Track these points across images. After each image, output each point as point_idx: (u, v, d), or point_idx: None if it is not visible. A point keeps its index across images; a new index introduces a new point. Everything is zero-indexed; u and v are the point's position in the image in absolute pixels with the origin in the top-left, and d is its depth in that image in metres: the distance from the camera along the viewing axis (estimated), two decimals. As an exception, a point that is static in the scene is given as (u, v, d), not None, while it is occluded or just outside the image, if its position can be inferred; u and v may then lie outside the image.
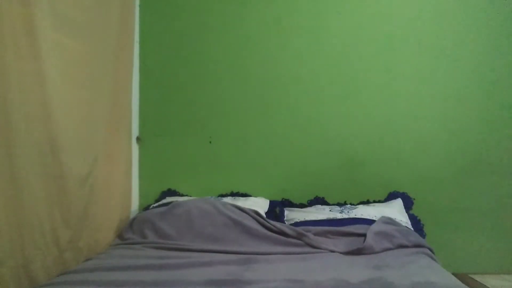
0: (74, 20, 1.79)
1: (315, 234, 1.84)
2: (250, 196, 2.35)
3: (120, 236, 1.96)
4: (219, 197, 2.32)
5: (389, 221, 1.89)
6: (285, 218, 2.16)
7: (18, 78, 1.44)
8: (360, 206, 2.17)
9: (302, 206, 2.29)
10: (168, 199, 2.30)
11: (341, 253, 1.66)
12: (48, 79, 1.57)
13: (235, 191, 2.39)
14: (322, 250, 1.70)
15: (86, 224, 1.84)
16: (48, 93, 1.58)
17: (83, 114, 1.83)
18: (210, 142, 2.42)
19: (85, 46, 1.86)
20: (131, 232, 1.94)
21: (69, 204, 1.71)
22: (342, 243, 1.75)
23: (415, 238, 1.77)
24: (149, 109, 2.46)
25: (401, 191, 2.27)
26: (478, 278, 2.04)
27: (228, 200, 2.21)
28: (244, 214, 1.94)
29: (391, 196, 2.27)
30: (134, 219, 2.02)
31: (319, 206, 2.24)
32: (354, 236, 1.82)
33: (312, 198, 2.32)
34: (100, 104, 1.98)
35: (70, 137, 1.72)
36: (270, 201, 2.30)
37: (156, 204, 2.25)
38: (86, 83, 1.86)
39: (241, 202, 2.17)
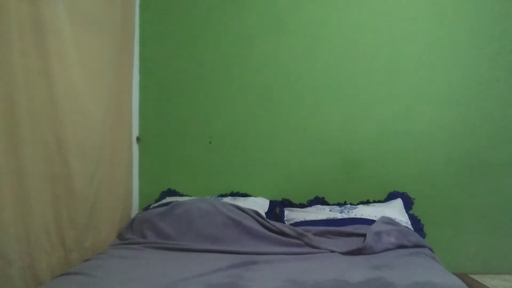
0: (85, 16, 1.79)
1: (315, 234, 1.84)
2: (250, 196, 2.35)
3: (120, 236, 1.96)
4: (219, 197, 2.32)
5: (389, 221, 1.89)
6: (285, 218, 2.16)
7: (25, 77, 1.44)
8: (360, 206, 2.16)
9: (302, 206, 2.29)
10: (168, 199, 2.30)
11: (341, 253, 1.66)
12: (55, 77, 1.57)
13: (235, 191, 2.39)
14: (322, 250, 1.70)
15: (92, 224, 1.84)
16: (54, 92, 1.57)
17: (88, 113, 1.83)
18: (210, 142, 2.42)
19: (92, 43, 1.86)
20: (131, 232, 1.94)
21: (76, 205, 1.71)
22: (342, 243, 1.75)
23: (415, 238, 1.77)
24: (149, 109, 2.46)
25: (401, 191, 2.26)
26: (478, 278, 2.03)
27: (228, 200, 2.21)
28: (244, 214, 1.94)
29: (391, 196, 2.27)
30: (134, 219, 2.02)
31: (319, 206, 2.24)
32: (354, 236, 1.82)
33: (312, 198, 2.32)
34: (104, 102, 1.98)
35: (76, 136, 1.71)
36: (270, 201, 2.30)
37: (156, 204, 2.25)
38: (91, 82, 1.86)
39: (241, 202, 2.17)
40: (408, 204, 2.22)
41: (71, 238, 1.69)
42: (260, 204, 2.22)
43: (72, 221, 1.69)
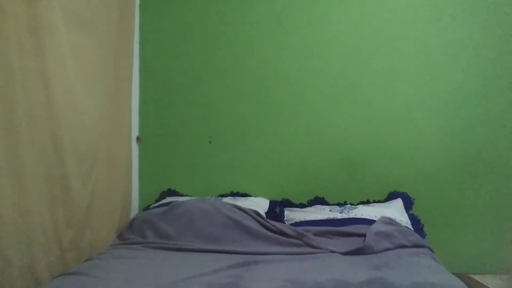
0: (80, 17, 1.79)
1: (315, 234, 1.84)
2: (250, 196, 2.35)
3: (120, 236, 1.96)
4: (219, 197, 2.32)
5: (389, 221, 1.89)
6: (285, 218, 2.16)
7: (22, 77, 1.44)
8: (360, 206, 2.16)
9: (302, 206, 2.29)
10: (168, 199, 2.30)
11: (341, 253, 1.66)
12: (52, 78, 1.57)
13: (235, 191, 2.39)
14: (322, 250, 1.69)
15: (88, 224, 1.84)
16: (52, 93, 1.57)
17: (85, 113, 1.83)
18: (210, 142, 2.42)
19: (88, 45, 1.86)
20: (131, 232, 1.94)
21: (72, 204, 1.71)
22: (342, 243, 1.75)
23: (415, 238, 1.77)
24: (149, 109, 2.46)
25: (401, 191, 2.27)
26: (478, 278, 2.03)
27: (228, 200, 2.21)
28: (244, 214, 1.94)
29: (391, 196, 2.27)
30: (134, 219, 2.02)
31: (319, 206, 2.24)
32: (354, 236, 1.82)
33: (312, 198, 2.32)
34: (101, 103, 1.98)
35: (72, 136, 1.71)
36: (270, 201, 2.30)
37: (156, 204, 2.25)
38: (88, 82, 1.86)
39: (241, 202, 2.17)
40: (408, 204, 2.22)
41: (67, 238, 1.69)
42: (260, 204, 2.22)
43: (68, 220, 1.70)
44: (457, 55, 2.25)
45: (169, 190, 2.44)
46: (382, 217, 1.94)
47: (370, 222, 1.93)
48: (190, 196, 2.37)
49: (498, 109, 2.22)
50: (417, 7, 2.28)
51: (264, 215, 2.03)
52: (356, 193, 2.30)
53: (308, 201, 2.32)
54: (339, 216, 2.04)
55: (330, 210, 2.12)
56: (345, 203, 2.29)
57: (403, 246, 1.71)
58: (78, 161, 1.76)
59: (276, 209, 2.27)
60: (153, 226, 1.91)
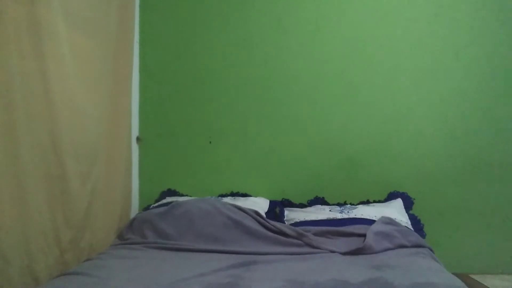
0: (80, 17, 1.79)
1: (315, 234, 1.84)
2: (250, 196, 2.35)
3: (120, 236, 1.96)
4: (219, 197, 2.32)
5: (389, 221, 1.89)
6: (285, 218, 2.16)
7: (22, 78, 1.44)
8: (360, 206, 2.16)
9: (302, 206, 2.29)
10: (168, 199, 2.30)
11: (341, 253, 1.66)
12: (52, 79, 1.57)
13: (235, 191, 2.39)
14: (322, 250, 1.69)
15: (87, 224, 1.84)
16: (51, 93, 1.58)
17: (84, 114, 1.83)
18: (210, 142, 2.42)
19: (88, 45, 1.86)
20: (131, 232, 1.94)
21: (71, 204, 1.71)
22: (342, 243, 1.75)
23: (415, 238, 1.77)
24: (149, 109, 2.46)
25: (401, 191, 2.27)
26: (478, 278, 2.04)
27: (228, 200, 2.21)
28: (244, 214, 1.94)
29: (391, 196, 2.27)
30: (134, 219, 2.02)
31: (319, 206, 2.24)
32: (354, 236, 1.82)
33: (312, 198, 2.32)
34: (101, 104, 1.98)
35: (71, 137, 1.72)
36: (270, 201, 2.30)
37: (156, 204, 2.25)
38: (87, 83, 1.86)
39: (241, 202, 2.17)
40: (408, 204, 2.22)
41: (66, 238, 1.69)
42: (260, 204, 2.22)
43: (67, 221, 1.69)
44: (458, 55, 2.25)
45: (169, 190, 2.44)
46: (382, 217, 1.94)
47: (370, 222, 1.93)
48: (190, 196, 2.37)
49: (498, 109, 2.22)
50: (417, 6, 2.28)
51: (264, 215, 2.03)
52: (356, 193, 2.30)
53: (308, 201, 2.32)
54: (339, 216, 2.04)
55: (330, 210, 2.12)
56: (345, 203, 2.29)
57: (403, 246, 1.71)
58: (77, 161, 1.76)
59: (276, 209, 2.27)
60: (153, 226, 1.91)
